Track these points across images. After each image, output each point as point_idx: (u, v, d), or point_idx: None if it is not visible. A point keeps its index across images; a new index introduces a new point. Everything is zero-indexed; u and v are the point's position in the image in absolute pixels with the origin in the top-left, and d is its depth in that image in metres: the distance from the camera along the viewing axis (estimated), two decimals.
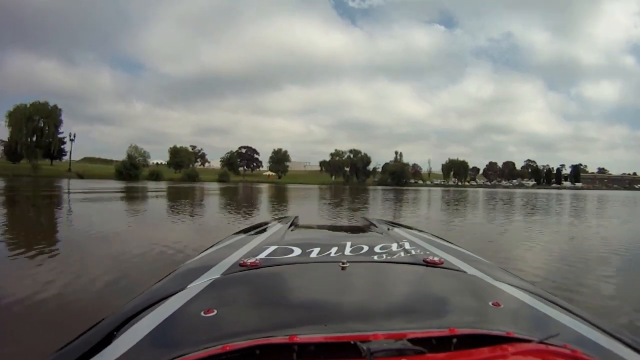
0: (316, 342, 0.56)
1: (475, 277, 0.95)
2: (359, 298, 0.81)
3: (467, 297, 0.83)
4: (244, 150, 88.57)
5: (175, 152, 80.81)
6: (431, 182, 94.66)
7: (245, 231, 1.73)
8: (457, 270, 0.99)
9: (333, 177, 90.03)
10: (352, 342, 0.53)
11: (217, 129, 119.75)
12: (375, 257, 1.04)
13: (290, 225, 1.77)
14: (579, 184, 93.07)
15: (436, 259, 1.02)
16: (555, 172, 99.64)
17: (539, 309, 0.76)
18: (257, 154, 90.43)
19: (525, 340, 0.55)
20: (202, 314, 0.68)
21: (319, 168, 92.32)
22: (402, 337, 0.55)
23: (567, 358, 0.52)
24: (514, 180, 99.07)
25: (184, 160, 78.24)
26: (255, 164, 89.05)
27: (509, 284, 0.89)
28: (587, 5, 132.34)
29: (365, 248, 1.13)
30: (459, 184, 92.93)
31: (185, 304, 0.75)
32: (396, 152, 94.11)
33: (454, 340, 0.57)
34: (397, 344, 0.53)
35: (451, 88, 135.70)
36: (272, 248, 1.14)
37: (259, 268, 0.95)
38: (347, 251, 1.10)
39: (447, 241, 1.49)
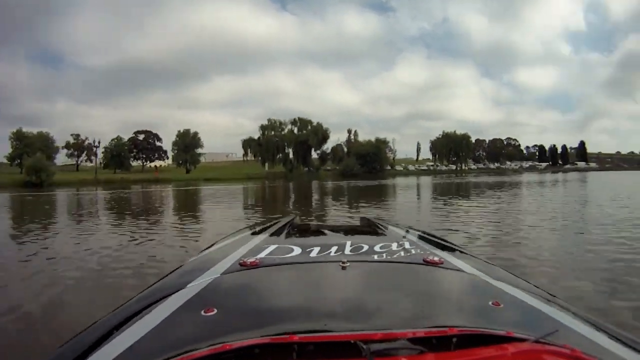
0: (316, 341, 0.56)
1: (474, 276, 0.94)
2: (358, 297, 0.80)
3: (466, 297, 0.84)
4: (140, 137, 61.70)
5: (20, 139, 48.41)
6: (417, 168, 67.04)
7: (245, 230, 1.74)
8: (457, 270, 0.97)
9: (266, 165, 56.86)
10: (352, 342, 0.53)
11: (143, 125, 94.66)
12: (375, 257, 1.03)
13: (291, 225, 1.74)
14: (593, 164, 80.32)
15: (436, 258, 1.01)
16: (560, 151, 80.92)
17: (538, 309, 0.75)
18: (160, 140, 62.80)
19: (525, 340, 0.55)
20: (202, 313, 0.68)
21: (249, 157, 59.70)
22: (402, 337, 0.55)
23: (566, 358, 0.51)
24: (513, 163, 78.91)
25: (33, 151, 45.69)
26: (157, 155, 63.21)
27: (508, 284, 0.89)
28: None
29: (365, 247, 1.12)
30: (459, 168, 66.53)
31: (186, 303, 0.74)
32: (349, 131, 63.84)
33: (454, 339, 0.57)
34: (397, 344, 0.53)
35: (384, 75, 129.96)
36: (272, 247, 1.13)
37: (259, 267, 0.94)
38: (347, 251, 1.08)
39: (447, 241, 1.47)
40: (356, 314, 0.70)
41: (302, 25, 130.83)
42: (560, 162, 79.28)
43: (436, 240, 1.45)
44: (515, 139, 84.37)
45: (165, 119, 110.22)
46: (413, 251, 1.09)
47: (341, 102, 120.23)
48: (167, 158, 62.09)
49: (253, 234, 1.55)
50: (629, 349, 0.61)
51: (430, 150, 68.84)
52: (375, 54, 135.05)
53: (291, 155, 57.60)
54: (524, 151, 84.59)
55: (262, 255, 1.03)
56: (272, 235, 1.46)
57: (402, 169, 64.28)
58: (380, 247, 1.11)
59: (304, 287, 0.88)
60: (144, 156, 61.76)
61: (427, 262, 0.97)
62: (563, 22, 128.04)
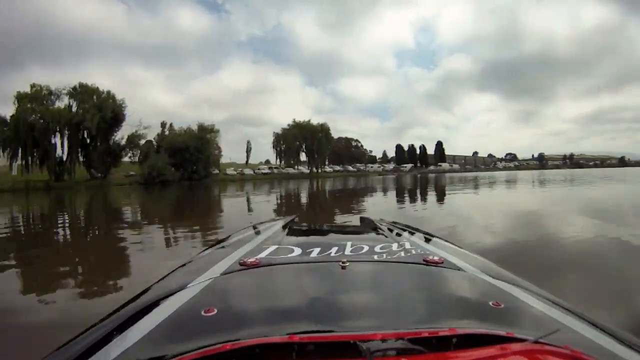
0: (316, 341, 0.56)
1: (475, 276, 0.94)
2: (359, 297, 0.80)
3: (467, 297, 0.84)
4: None
5: None
6: (256, 172, 51.98)
7: (245, 231, 1.72)
8: (458, 269, 0.98)
9: (13, 167, 34.52)
10: (351, 342, 0.53)
11: None
12: (376, 257, 1.04)
13: (291, 225, 1.75)
14: (455, 166, 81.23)
15: (436, 258, 1.01)
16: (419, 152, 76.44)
17: (539, 309, 0.75)
18: None
19: (525, 340, 0.55)
20: (202, 313, 0.68)
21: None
22: (401, 337, 0.55)
23: (567, 358, 0.51)
24: (376, 165, 73.43)
25: None
26: None
27: (509, 284, 0.89)
28: (364, 7, 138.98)
29: (366, 248, 1.12)
30: (314, 170, 53.76)
31: (186, 303, 0.75)
32: (163, 125, 46.02)
33: (454, 340, 0.57)
34: (396, 344, 0.53)
35: (209, 77, 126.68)
36: (272, 247, 1.14)
37: (259, 267, 0.95)
38: (347, 251, 1.09)
39: (448, 241, 1.47)
40: (356, 314, 0.70)
41: (130, 16, 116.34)
42: (419, 163, 75.36)
43: (437, 240, 1.44)
44: (357, 140, 77.53)
45: None
46: (413, 251, 1.09)
47: (162, 104, 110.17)
48: None
49: (253, 234, 1.51)
50: (630, 349, 0.61)
51: (274, 146, 51.64)
52: (202, 55, 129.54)
53: (59, 149, 35.27)
54: (367, 153, 78.83)
55: (263, 255, 1.04)
56: (272, 235, 1.44)
57: (235, 173, 48.26)
58: (381, 247, 1.12)
59: (304, 287, 0.87)
60: None
61: (427, 262, 0.98)
62: (393, 38, 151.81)
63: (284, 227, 1.65)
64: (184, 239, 5.81)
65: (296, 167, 53.98)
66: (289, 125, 52.37)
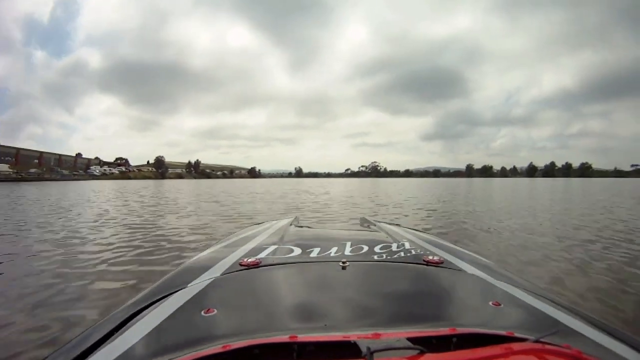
0: (316, 341, 0.56)
1: (475, 276, 0.94)
2: (359, 297, 0.80)
3: (467, 297, 0.84)
4: None
5: None
6: None
7: (245, 231, 1.70)
8: (457, 269, 0.99)
9: None
10: (352, 342, 0.54)
11: None
12: (375, 257, 1.05)
13: (291, 225, 1.74)
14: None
15: (436, 258, 1.03)
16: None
17: (539, 309, 0.75)
18: None
19: (525, 340, 0.55)
20: (202, 313, 0.68)
21: None
22: (402, 337, 0.55)
23: (567, 357, 0.51)
24: None
25: None
26: None
27: (509, 284, 0.90)
28: None
29: (365, 248, 1.14)
30: None
31: (186, 303, 0.74)
32: None
33: (454, 339, 0.57)
34: (397, 343, 0.53)
35: None
36: (272, 248, 1.15)
37: (259, 267, 0.95)
38: (347, 251, 1.10)
39: (447, 241, 1.47)
40: (356, 314, 0.70)
41: None
42: (41, 172, 67.38)
43: (436, 240, 1.44)
44: None
45: None
46: (413, 251, 1.10)
47: None
48: None
49: (253, 234, 1.51)
50: (630, 348, 0.61)
51: None
52: None
53: None
54: None
55: (262, 255, 1.05)
56: (272, 235, 1.45)
57: None
58: (381, 248, 1.13)
59: (304, 288, 0.88)
60: None
61: (427, 262, 0.99)
62: (33, 3, 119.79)
63: (284, 227, 1.65)
64: None
65: None
66: None
